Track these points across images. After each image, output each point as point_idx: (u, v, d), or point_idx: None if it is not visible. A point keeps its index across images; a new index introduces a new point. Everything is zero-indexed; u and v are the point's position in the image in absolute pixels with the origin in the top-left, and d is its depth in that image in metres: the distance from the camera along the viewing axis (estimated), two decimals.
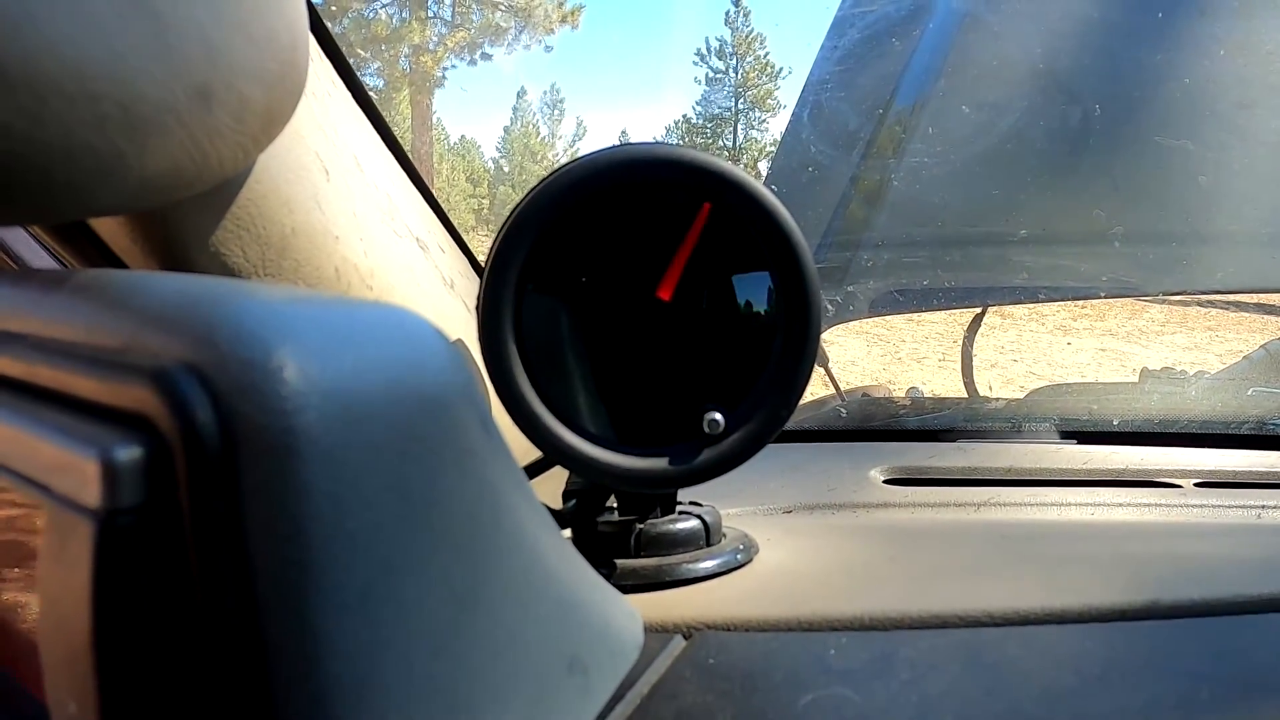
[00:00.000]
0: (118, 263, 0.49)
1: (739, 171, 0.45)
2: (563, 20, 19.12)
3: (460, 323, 0.66)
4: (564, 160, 0.46)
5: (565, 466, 0.47)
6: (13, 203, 0.32)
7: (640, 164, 0.45)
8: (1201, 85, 1.19)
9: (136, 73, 0.31)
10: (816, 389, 1.13)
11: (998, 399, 1.09)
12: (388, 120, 0.62)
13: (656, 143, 0.47)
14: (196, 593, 0.21)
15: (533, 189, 0.46)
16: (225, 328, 0.22)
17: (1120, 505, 0.67)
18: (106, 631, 0.21)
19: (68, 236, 0.49)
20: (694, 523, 0.51)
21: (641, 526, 0.50)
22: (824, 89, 1.28)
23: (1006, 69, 1.20)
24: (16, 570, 0.28)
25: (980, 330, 1.36)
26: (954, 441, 0.89)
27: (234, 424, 0.21)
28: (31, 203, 0.32)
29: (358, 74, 0.58)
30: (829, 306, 1.07)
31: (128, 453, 0.21)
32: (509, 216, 0.45)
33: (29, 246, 0.61)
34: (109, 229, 0.47)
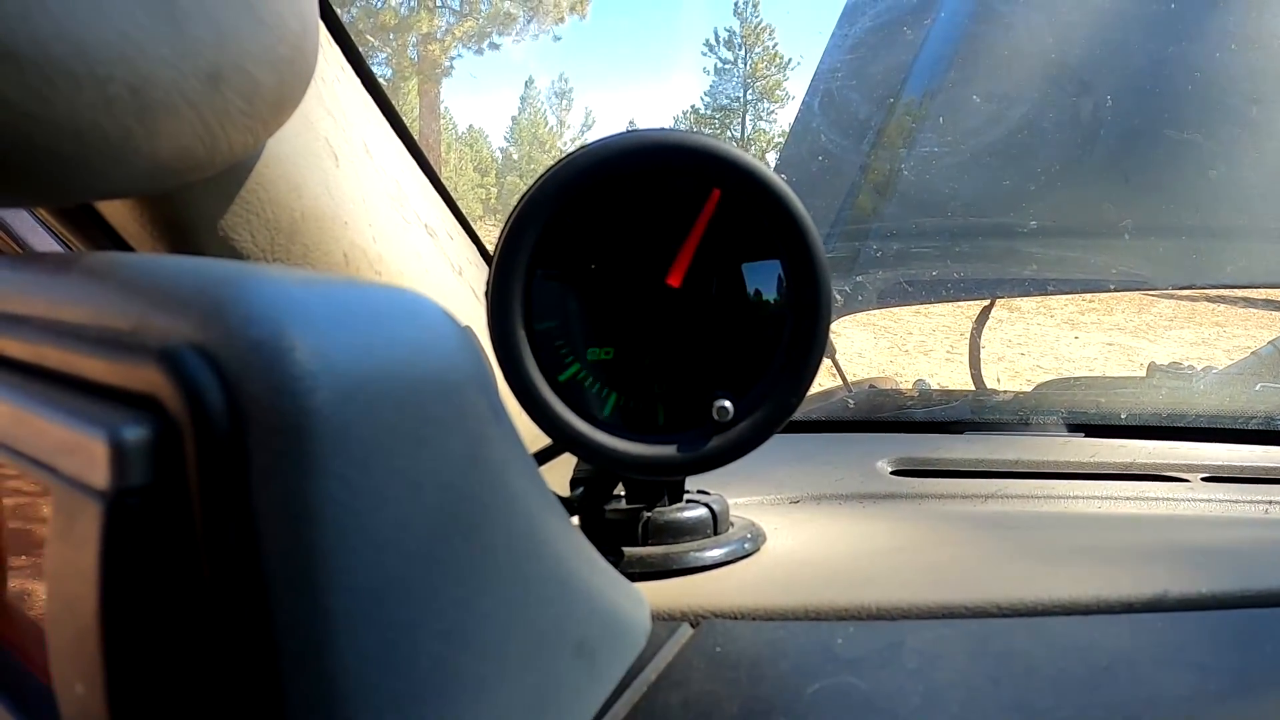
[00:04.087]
0: (125, 247, 0.49)
1: (749, 157, 0.45)
2: (571, 9, 19.08)
3: (469, 309, 0.66)
4: (572, 150, 0.46)
5: (574, 453, 0.47)
6: (21, 184, 0.32)
7: (650, 149, 0.45)
8: (1213, 79, 1.19)
9: (146, 54, 0.31)
10: (823, 380, 1.12)
11: (1005, 391, 1.09)
12: (396, 109, 0.62)
13: (666, 128, 0.47)
14: (205, 574, 0.21)
15: (542, 175, 0.45)
16: (235, 308, 0.22)
17: (1127, 498, 0.67)
18: (114, 613, 0.21)
19: (74, 220, 0.49)
20: (702, 511, 0.51)
21: (649, 514, 0.50)
22: (835, 77, 1.28)
23: (1018, 60, 1.19)
24: (24, 553, 0.28)
25: (988, 323, 1.36)
26: (961, 433, 0.89)
27: (243, 404, 0.21)
28: (39, 184, 0.32)
29: (366, 62, 0.58)
30: (838, 296, 1.06)
31: (135, 433, 0.21)
32: (518, 202, 0.45)
33: (34, 232, 0.61)
34: (116, 213, 0.47)
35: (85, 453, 0.21)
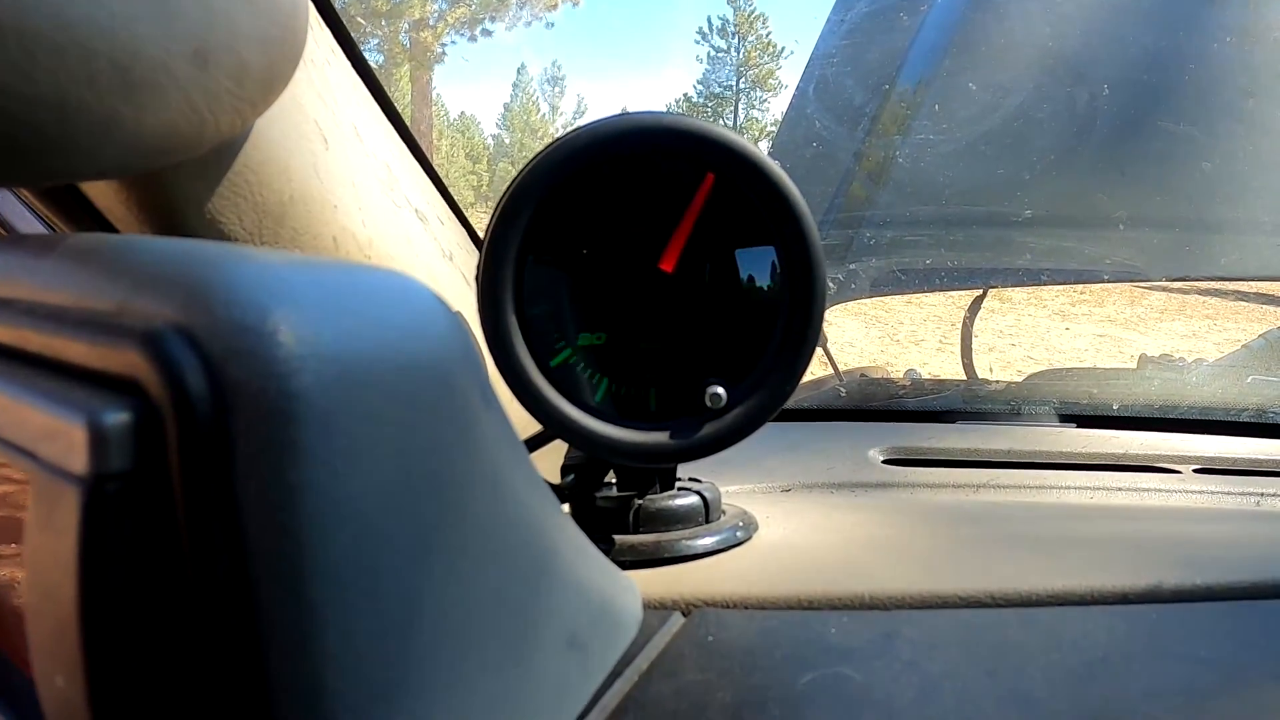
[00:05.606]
0: (110, 229, 0.48)
1: (744, 141, 0.44)
2: None
3: (459, 295, 0.65)
4: (564, 133, 0.45)
5: (565, 440, 0.47)
6: (7, 162, 0.31)
7: (643, 133, 0.45)
8: (1208, 71, 1.19)
9: (131, 30, 0.31)
10: (815, 369, 1.12)
11: (997, 381, 1.09)
12: (387, 93, 0.61)
13: (660, 112, 0.46)
14: (187, 562, 0.21)
15: (534, 158, 0.45)
16: (218, 290, 0.21)
17: (1119, 489, 0.67)
18: (94, 602, 0.20)
19: (59, 202, 0.48)
20: (693, 499, 0.51)
21: (640, 502, 0.50)
22: (829, 63, 1.27)
23: (1013, 49, 1.19)
24: (10, 541, 0.27)
25: (980, 313, 1.35)
26: (953, 423, 0.89)
27: (226, 388, 0.20)
28: (24, 163, 0.32)
29: (358, 45, 0.58)
30: (830, 284, 1.06)
31: (116, 417, 0.20)
32: (509, 186, 0.45)
33: (19, 214, 0.60)
34: (102, 194, 0.46)
35: (64, 437, 0.21)
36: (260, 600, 0.21)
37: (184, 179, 0.44)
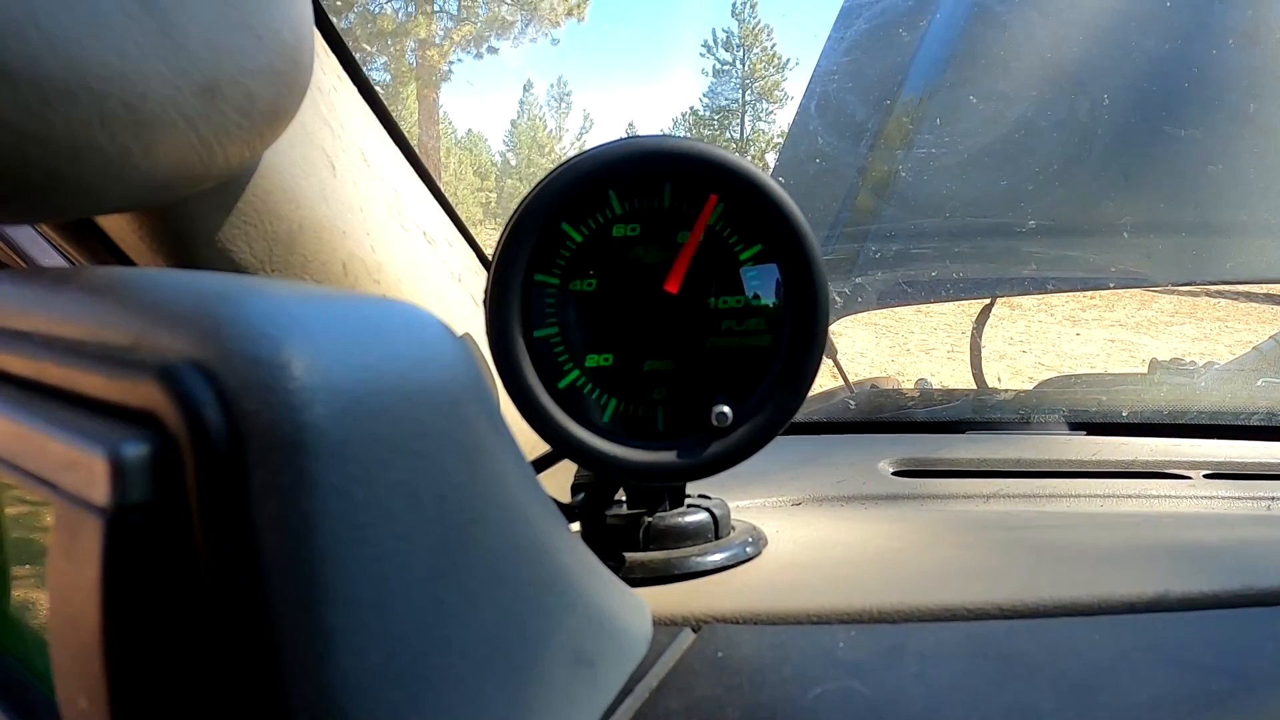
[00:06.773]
0: (125, 260, 0.49)
1: (745, 163, 0.45)
2: (569, 13, 19.09)
3: (468, 316, 0.66)
4: (571, 153, 0.46)
5: (573, 460, 0.47)
6: (20, 201, 0.32)
7: (646, 156, 0.45)
8: (1211, 74, 1.19)
9: (141, 70, 0.31)
10: (824, 381, 1.12)
11: (1007, 390, 1.09)
12: (394, 115, 0.62)
13: (663, 135, 0.47)
14: (205, 589, 0.22)
15: (540, 182, 0.45)
16: (233, 324, 0.22)
17: (1129, 496, 0.67)
18: (116, 628, 0.21)
19: (75, 234, 0.49)
20: (703, 516, 0.51)
21: (650, 520, 0.50)
22: (831, 80, 1.28)
23: (1014, 59, 1.19)
24: (27, 567, 0.28)
25: (989, 321, 1.35)
26: (963, 433, 0.89)
27: (241, 420, 0.21)
28: (39, 201, 0.32)
29: (364, 69, 0.58)
30: (837, 298, 1.07)
31: (135, 450, 0.21)
32: (516, 210, 0.45)
33: (37, 244, 0.61)
34: (116, 226, 0.47)
35: (86, 469, 0.22)
36: (275, 624, 0.21)
37: (194, 210, 0.45)
